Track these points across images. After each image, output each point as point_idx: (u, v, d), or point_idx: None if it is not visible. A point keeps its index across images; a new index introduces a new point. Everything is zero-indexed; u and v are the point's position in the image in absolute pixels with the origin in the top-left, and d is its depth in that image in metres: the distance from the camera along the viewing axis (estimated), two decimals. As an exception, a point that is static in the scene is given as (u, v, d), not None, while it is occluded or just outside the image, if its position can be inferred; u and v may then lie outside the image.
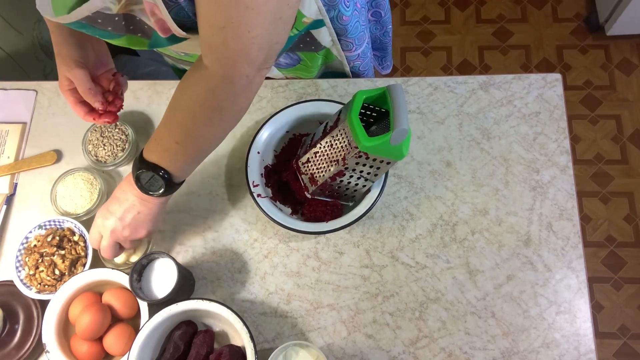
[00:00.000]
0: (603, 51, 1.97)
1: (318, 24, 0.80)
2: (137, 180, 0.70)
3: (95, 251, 0.85)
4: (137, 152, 0.94)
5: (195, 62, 0.63)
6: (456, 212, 0.87)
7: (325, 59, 0.93)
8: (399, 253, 0.85)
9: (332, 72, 0.98)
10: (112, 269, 0.82)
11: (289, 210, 0.87)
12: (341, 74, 0.97)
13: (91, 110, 0.80)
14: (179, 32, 0.60)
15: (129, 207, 0.72)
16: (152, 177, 0.69)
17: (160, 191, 0.70)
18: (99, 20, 0.59)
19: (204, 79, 0.60)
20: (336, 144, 0.75)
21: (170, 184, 0.70)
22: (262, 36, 0.56)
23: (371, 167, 0.75)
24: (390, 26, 0.99)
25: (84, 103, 0.79)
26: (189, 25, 0.61)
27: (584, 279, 0.82)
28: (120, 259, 0.84)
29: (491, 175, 0.88)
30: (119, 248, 0.77)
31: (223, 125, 0.67)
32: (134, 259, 0.85)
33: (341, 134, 0.74)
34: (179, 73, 1.12)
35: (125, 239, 0.75)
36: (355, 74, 0.97)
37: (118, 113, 0.82)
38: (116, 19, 0.60)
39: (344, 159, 0.73)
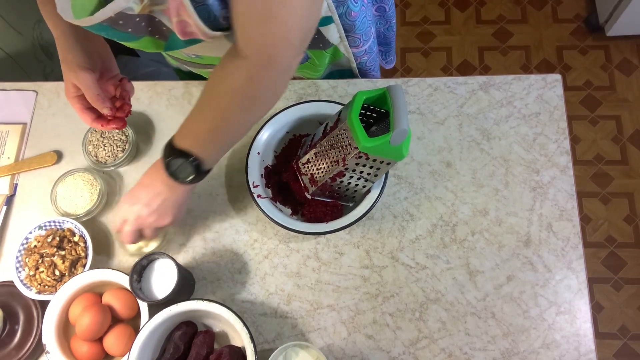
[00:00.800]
0: (603, 52, 1.97)
1: (327, 20, 0.81)
2: (167, 166, 0.70)
3: (95, 249, 0.85)
4: (137, 153, 0.94)
5: (229, 52, 0.63)
6: (456, 212, 0.87)
7: (333, 57, 0.93)
8: (399, 254, 0.85)
9: (338, 70, 0.99)
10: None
11: (289, 210, 0.87)
12: (347, 71, 0.98)
13: (99, 116, 0.79)
14: (205, 31, 0.60)
15: (156, 193, 0.72)
16: (182, 163, 0.69)
17: (190, 178, 0.70)
18: (120, 22, 0.59)
19: (242, 68, 0.62)
20: (336, 144, 0.75)
21: (200, 171, 0.70)
22: (300, 22, 0.58)
23: (371, 167, 0.75)
24: (394, 21, 0.99)
25: (91, 110, 0.79)
26: (209, 25, 0.62)
27: (584, 279, 0.82)
28: (133, 247, 0.84)
29: (491, 176, 0.88)
30: (140, 235, 0.77)
31: (260, 112, 0.69)
32: (152, 246, 0.85)
33: (341, 135, 0.74)
34: (181, 74, 1.12)
35: (150, 226, 0.75)
36: (362, 70, 0.97)
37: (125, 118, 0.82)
38: (137, 19, 0.60)
39: (344, 159, 0.73)
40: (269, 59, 0.60)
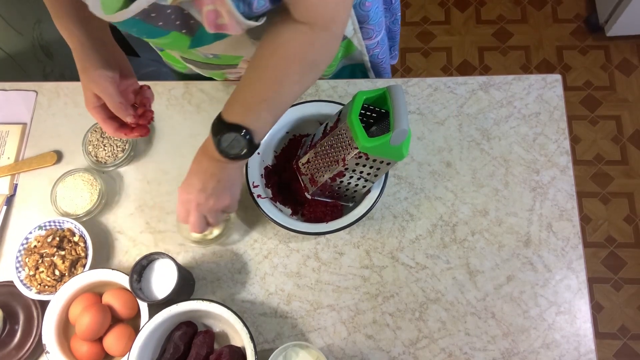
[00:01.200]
0: (603, 52, 1.97)
1: None
2: (218, 144, 0.68)
3: (95, 249, 0.85)
4: (136, 153, 0.94)
5: (282, 23, 0.64)
6: (456, 212, 0.87)
7: (346, 51, 0.93)
8: (399, 254, 0.85)
9: (350, 64, 0.99)
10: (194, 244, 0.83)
11: (289, 210, 0.87)
12: (360, 65, 0.98)
13: (121, 125, 0.78)
14: (238, 19, 0.60)
15: (208, 177, 0.71)
16: (234, 138, 0.67)
17: (243, 152, 0.68)
18: (153, 15, 0.59)
19: (303, 34, 0.63)
20: (336, 144, 0.75)
21: (252, 144, 0.68)
22: None
23: (371, 167, 0.75)
24: (400, 14, 0.99)
25: (113, 119, 0.77)
26: (242, 14, 0.62)
27: (584, 279, 0.82)
28: (197, 236, 0.84)
29: (491, 176, 0.88)
30: (206, 223, 0.76)
31: (315, 77, 0.70)
32: (215, 233, 0.85)
33: (341, 135, 0.74)
34: (182, 78, 1.11)
35: (211, 209, 0.74)
36: (374, 63, 0.97)
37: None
38: (168, 11, 0.60)
39: (344, 159, 0.73)
40: (331, 21, 0.63)
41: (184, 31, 0.65)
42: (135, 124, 0.78)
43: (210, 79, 0.98)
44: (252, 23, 0.62)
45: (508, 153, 0.89)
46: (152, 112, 0.81)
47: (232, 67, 0.86)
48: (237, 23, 0.60)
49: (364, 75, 1.01)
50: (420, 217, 0.87)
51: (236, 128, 0.66)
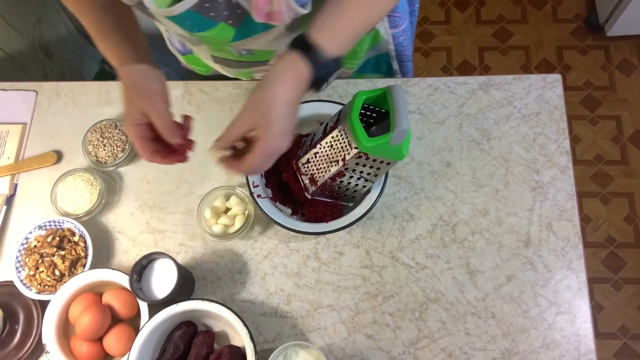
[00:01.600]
0: (603, 52, 1.97)
1: None
2: (320, 80, 0.64)
3: (95, 249, 0.85)
4: (136, 153, 0.94)
5: None
6: (456, 212, 0.87)
7: (373, 42, 0.94)
8: (399, 253, 0.85)
9: (375, 55, 0.99)
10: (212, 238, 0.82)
11: (289, 210, 0.87)
12: (384, 56, 0.98)
13: (161, 148, 0.72)
14: (290, 4, 0.60)
15: (292, 119, 0.66)
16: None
17: (330, 80, 0.66)
18: (207, 5, 0.59)
19: None
20: (336, 144, 0.75)
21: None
22: None
23: (371, 167, 0.75)
24: (418, 5, 1.00)
25: (150, 140, 0.71)
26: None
27: (584, 279, 0.82)
28: (219, 228, 0.84)
29: (491, 176, 0.88)
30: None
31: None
32: (237, 226, 0.85)
33: (341, 135, 0.74)
34: (186, 75, 1.11)
35: (282, 141, 0.67)
36: (398, 52, 0.98)
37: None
38: (220, 0, 0.60)
39: (344, 159, 0.73)
40: None
41: (230, 22, 0.65)
42: (180, 146, 0.72)
43: (236, 79, 0.98)
44: (301, 10, 0.62)
45: (508, 153, 0.89)
46: (193, 141, 0.74)
47: (263, 64, 0.86)
48: (287, 9, 0.60)
49: (388, 65, 1.01)
50: (420, 217, 0.87)
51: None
